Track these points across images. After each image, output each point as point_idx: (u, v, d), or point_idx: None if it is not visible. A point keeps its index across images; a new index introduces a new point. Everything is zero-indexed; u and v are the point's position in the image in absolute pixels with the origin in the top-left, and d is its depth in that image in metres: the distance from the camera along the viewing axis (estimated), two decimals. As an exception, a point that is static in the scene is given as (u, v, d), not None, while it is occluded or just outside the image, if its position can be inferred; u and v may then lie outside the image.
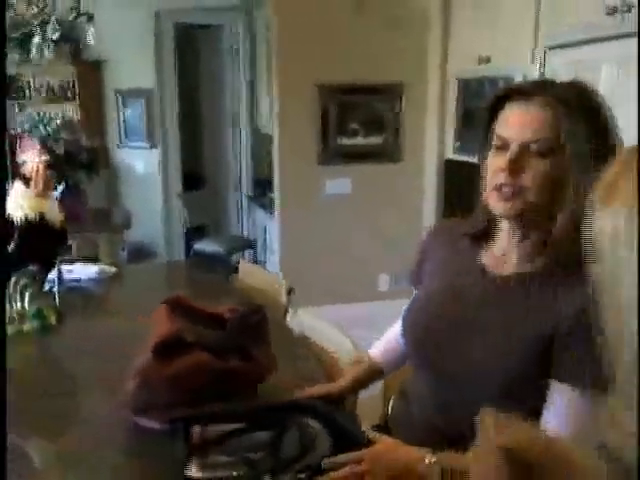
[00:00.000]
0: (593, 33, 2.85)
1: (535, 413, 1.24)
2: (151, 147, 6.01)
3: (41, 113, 3.95)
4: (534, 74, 3.18)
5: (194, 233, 6.42)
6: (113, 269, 2.82)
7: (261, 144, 6.17)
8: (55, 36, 2.94)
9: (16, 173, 2.12)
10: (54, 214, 2.21)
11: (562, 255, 1.24)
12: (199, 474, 1.23)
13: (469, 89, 3.73)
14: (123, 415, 1.50)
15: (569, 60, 3.02)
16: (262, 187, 6.06)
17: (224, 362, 1.40)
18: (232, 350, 1.42)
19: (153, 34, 5.72)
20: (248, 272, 2.93)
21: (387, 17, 4.50)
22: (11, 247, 2.08)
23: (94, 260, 3.15)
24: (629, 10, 2.66)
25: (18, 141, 2.33)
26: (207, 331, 1.46)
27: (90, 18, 3.10)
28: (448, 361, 1.36)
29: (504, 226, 1.34)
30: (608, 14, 2.73)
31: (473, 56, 3.61)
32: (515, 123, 1.26)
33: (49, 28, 2.92)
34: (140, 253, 5.72)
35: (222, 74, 6.43)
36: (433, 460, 1.19)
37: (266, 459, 1.26)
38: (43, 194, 2.16)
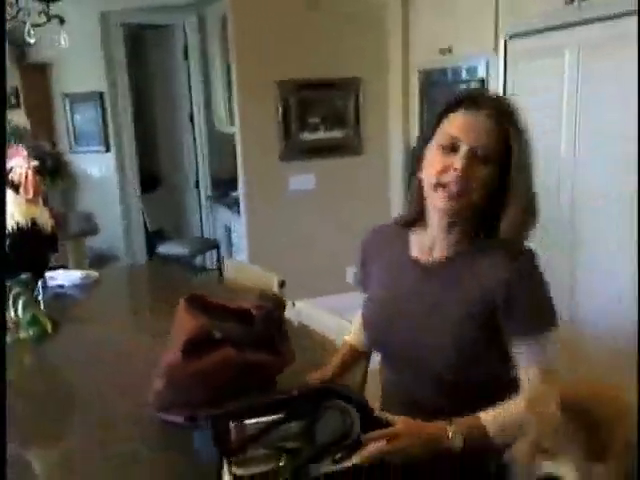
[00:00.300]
0: (554, 21, 2.90)
1: (495, 379, 1.44)
2: (106, 150, 5.90)
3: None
4: (497, 62, 3.22)
5: (155, 236, 6.36)
6: (96, 274, 2.81)
7: (219, 143, 6.15)
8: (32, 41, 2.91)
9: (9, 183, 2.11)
10: (45, 219, 2.20)
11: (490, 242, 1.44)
12: (240, 471, 1.22)
13: (431, 80, 3.78)
14: (146, 413, 1.51)
15: (531, 47, 3.07)
16: (223, 186, 6.04)
17: (251, 356, 1.42)
18: (260, 344, 1.44)
19: (100, 35, 5.61)
20: (236, 269, 2.96)
21: (344, 12, 4.55)
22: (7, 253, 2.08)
23: (64, 268, 3.14)
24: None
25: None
26: (232, 326, 1.47)
27: (62, 21, 3.07)
28: (409, 350, 1.48)
29: (435, 217, 1.44)
30: (567, 3, 2.81)
31: (434, 47, 3.65)
32: (467, 127, 1.36)
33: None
34: (101, 259, 5.64)
35: (175, 74, 6.38)
36: (453, 429, 1.27)
37: (305, 447, 1.27)
38: (34, 200, 2.15)
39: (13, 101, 5.84)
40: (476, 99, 1.42)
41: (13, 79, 5.78)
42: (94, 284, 2.79)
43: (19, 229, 2.08)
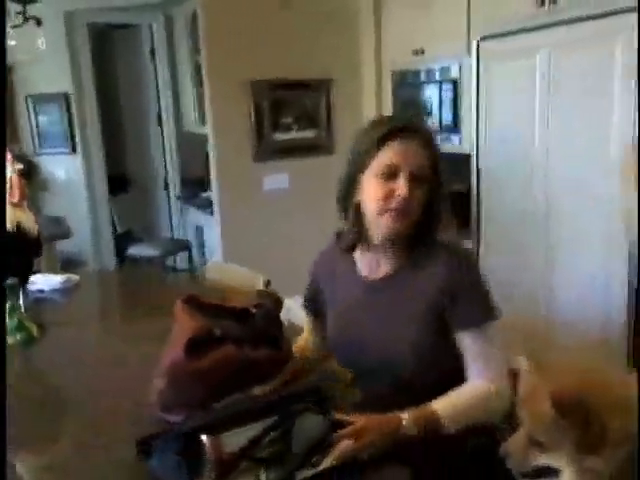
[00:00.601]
0: (525, 23, 2.95)
1: (449, 374, 1.52)
2: (72, 152, 5.80)
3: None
4: (470, 64, 3.26)
5: (124, 238, 6.31)
6: (77, 277, 2.80)
7: (188, 144, 6.13)
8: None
9: None
10: (31, 224, 2.20)
11: (428, 252, 1.56)
12: None
13: (404, 80, 3.79)
14: (148, 412, 1.50)
15: (503, 49, 3.11)
16: (193, 187, 6.02)
17: (252, 353, 1.43)
18: (260, 341, 1.45)
19: (65, 35, 5.51)
20: (219, 269, 2.98)
21: (318, 11, 4.58)
22: None
23: (37, 272, 3.11)
24: (555, 2, 2.82)
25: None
26: (231, 324, 1.48)
27: (39, 23, 3.05)
28: (366, 357, 1.58)
29: (378, 238, 1.54)
30: (538, 6, 2.87)
31: (407, 48, 3.67)
32: (404, 154, 1.46)
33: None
34: (71, 262, 5.58)
35: (142, 74, 6.34)
36: (406, 418, 1.35)
37: (283, 455, 1.27)
38: (19, 204, 2.15)
39: None
40: (406, 129, 1.51)
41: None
42: (74, 288, 2.78)
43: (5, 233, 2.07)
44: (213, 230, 5.11)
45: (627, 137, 2.56)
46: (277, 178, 4.84)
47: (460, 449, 1.44)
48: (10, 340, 2.16)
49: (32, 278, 2.63)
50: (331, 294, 1.73)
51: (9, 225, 2.06)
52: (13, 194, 2.08)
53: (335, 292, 1.72)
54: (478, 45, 3.19)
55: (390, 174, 1.46)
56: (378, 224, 1.50)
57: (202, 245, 5.77)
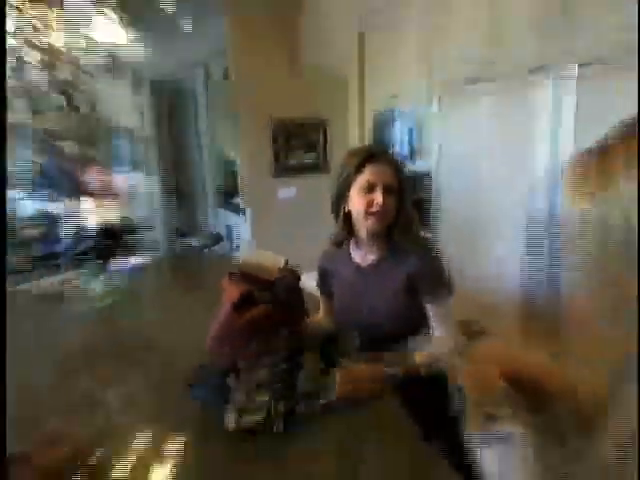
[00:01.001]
0: (474, 76, 2.86)
1: (414, 326, 1.57)
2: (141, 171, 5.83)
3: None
4: (431, 109, 3.22)
5: (175, 232, 6.35)
6: (148, 259, 2.77)
7: (223, 166, 6.10)
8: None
9: (86, 192, 2.07)
10: (118, 216, 2.16)
11: (402, 244, 1.57)
12: (232, 421, 1.19)
13: (382, 119, 3.77)
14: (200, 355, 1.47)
15: (456, 98, 3.06)
16: (225, 196, 6.02)
17: (279, 312, 1.41)
18: (284, 303, 1.43)
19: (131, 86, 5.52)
20: (249, 253, 2.96)
21: (317, 75, 4.57)
22: (90, 246, 2.05)
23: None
24: (493, 62, 2.70)
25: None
26: (263, 291, 1.44)
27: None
28: (363, 316, 1.62)
29: (364, 235, 1.58)
30: (482, 66, 2.76)
31: (384, 95, 3.62)
32: (380, 174, 1.50)
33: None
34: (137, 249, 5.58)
35: (188, 115, 6.32)
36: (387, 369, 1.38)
37: (290, 392, 1.26)
38: (110, 202, 2.13)
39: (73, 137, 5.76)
40: (380, 154, 1.55)
41: (70, 120, 5.68)
42: (145, 267, 2.73)
43: (100, 228, 2.06)
44: (241, 227, 5.08)
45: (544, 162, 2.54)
46: (288, 190, 4.83)
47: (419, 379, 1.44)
48: (103, 302, 2.14)
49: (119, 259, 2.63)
50: (335, 278, 1.75)
51: (102, 220, 2.04)
52: (106, 197, 2.07)
53: (338, 276, 1.74)
54: (437, 94, 3.16)
55: (369, 188, 1.49)
56: (364, 225, 1.54)
57: (231, 238, 5.73)
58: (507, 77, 2.71)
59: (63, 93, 3.94)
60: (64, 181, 2.07)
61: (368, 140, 3.99)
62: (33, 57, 2.30)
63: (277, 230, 4.67)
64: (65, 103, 5.28)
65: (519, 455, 0.83)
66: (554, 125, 2.47)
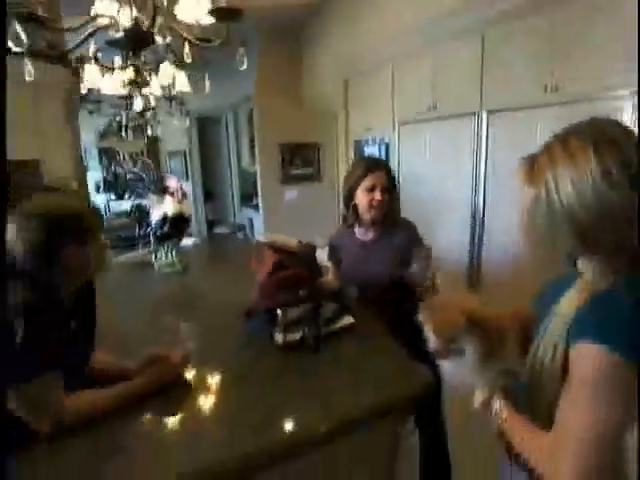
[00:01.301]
0: (420, 118, 2.89)
1: (402, 283, 1.44)
2: (186, 180, 5.84)
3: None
4: (394, 139, 3.18)
5: (211, 222, 6.32)
6: (198, 240, 2.76)
7: (244, 176, 6.08)
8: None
9: (167, 191, 2.04)
10: (187, 211, 2.15)
11: (391, 227, 1.53)
12: (280, 339, 1.22)
13: (361, 144, 3.72)
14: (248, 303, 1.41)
15: (410, 130, 3.04)
16: (246, 198, 6.01)
17: (302, 273, 1.38)
18: (304, 267, 1.40)
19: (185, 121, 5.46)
20: (268, 237, 2.97)
21: (313, 108, 4.59)
22: (167, 228, 2.04)
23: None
24: (435, 107, 2.74)
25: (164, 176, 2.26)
26: (291, 259, 1.41)
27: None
28: (365, 280, 1.55)
29: (367, 221, 1.54)
30: (429, 110, 2.80)
31: (363, 126, 3.59)
32: (379, 178, 1.48)
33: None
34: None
35: (220, 140, 6.28)
36: None
37: (317, 321, 1.26)
38: (181, 201, 2.11)
39: (142, 155, 5.88)
40: (379, 165, 1.52)
41: (142, 145, 5.72)
42: (195, 246, 2.75)
43: (174, 216, 2.05)
44: (259, 220, 5.08)
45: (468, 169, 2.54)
46: (292, 193, 4.82)
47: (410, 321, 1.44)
48: (176, 269, 2.13)
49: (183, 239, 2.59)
50: (343, 251, 1.69)
51: (176, 212, 2.03)
52: (177, 197, 2.05)
53: (345, 249, 1.68)
54: (399, 127, 3.15)
55: (371, 189, 1.48)
56: (368, 214, 1.52)
57: (252, 228, 5.74)
58: (443, 118, 2.73)
59: (138, 125, 3.89)
60: (152, 184, 2.05)
61: (348, 160, 3.92)
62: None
63: (284, 222, 4.70)
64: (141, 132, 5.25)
65: (469, 365, 0.83)
66: (475, 148, 2.50)
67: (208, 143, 6.46)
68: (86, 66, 2.18)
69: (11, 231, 0.88)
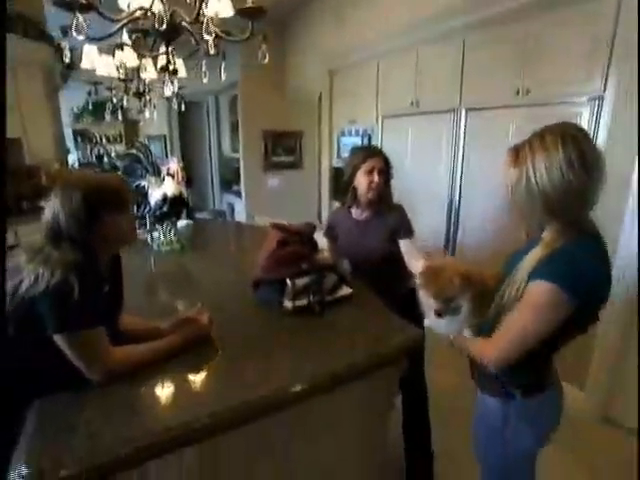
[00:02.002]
0: (402, 113, 3.00)
1: (394, 258, 1.59)
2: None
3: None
4: (377, 131, 3.26)
5: (191, 209, 6.26)
6: (191, 222, 2.78)
7: (225, 162, 6.06)
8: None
9: (167, 173, 2.10)
10: (184, 192, 2.21)
11: (384, 208, 1.61)
12: (290, 305, 1.32)
13: (344, 134, 3.72)
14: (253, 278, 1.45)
15: (393, 123, 3.14)
16: (226, 184, 6.01)
17: (303, 249, 1.44)
18: (305, 244, 1.46)
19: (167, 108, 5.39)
20: (259, 220, 3.06)
21: (297, 97, 4.66)
22: (167, 208, 2.11)
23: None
24: (417, 105, 2.84)
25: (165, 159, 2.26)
26: (293, 236, 1.46)
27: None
28: (360, 254, 1.63)
29: (364, 201, 1.62)
30: (411, 105, 2.91)
31: (347, 118, 3.61)
32: (376, 163, 1.56)
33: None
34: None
35: (202, 126, 6.23)
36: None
37: (320, 290, 1.35)
38: (180, 182, 2.17)
39: (119, 139, 5.73)
40: (376, 151, 1.61)
41: (120, 128, 5.65)
42: (191, 227, 2.75)
43: (174, 197, 2.12)
44: (240, 205, 5.14)
45: (448, 164, 2.69)
46: (273, 180, 4.93)
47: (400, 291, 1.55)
48: (174, 247, 2.18)
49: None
50: (339, 228, 1.75)
51: (176, 192, 2.09)
52: (177, 178, 2.13)
53: (342, 227, 1.74)
54: (382, 120, 3.23)
55: (369, 172, 1.57)
56: (366, 195, 1.60)
57: (233, 214, 5.76)
58: (425, 113, 2.85)
59: (116, 109, 3.84)
60: (150, 167, 2.10)
61: (332, 151, 3.97)
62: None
63: (266, 208, 4.79)
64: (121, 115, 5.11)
65: (462, 319, 0.96)
66: (453, 143, 2.66)
67: (188, 128, 6.40)
68: (85, 46, 2.21)
69: (55, 203, 0.98)
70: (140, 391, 0.97)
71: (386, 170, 1.60)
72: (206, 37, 1.16)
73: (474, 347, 0.96)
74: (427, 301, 0.97)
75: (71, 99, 5.18)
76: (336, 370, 1.05)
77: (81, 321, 0.92)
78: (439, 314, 0.96)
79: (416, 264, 1.51)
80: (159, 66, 1.73)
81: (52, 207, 0.97)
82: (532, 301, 0.84)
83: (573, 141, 0.79)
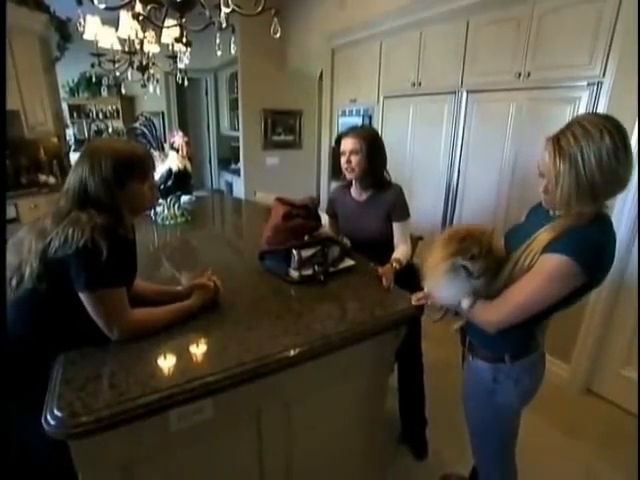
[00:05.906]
0: (404, 93, 2.99)
1: (389, 239, 1.62)
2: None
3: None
4: (378, 111, 3.23)
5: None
6: (193, 197, 2.77)
7: (222, 140, 6.03)
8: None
9: (172, 147, 2.12)
10: (189, 167, 2.22)
11: (382, 190, 1.62)
12: (296, 274, 1.36)
13: (345, 114, 3.69)
14: (260, 248, 1.49)
15: (393, 103, 3.12)
16: (225, 163, 5.99)
17: (308, 222, 1.48)
18: (310, 218, 1.49)
19: (164, 83, 5.30)
20: (260, 196, 3.10)
21: (299, 75, 4.62)
22: (172, 182, 2.13)
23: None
24: (420, 84, 2.85)
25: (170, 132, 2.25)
26: (298, 209, 1.49)
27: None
28: (359, 234, 1.65)
29: (354, 182, 1.67)
30: (412, 85, 2.91)
31: (348, 97, 3.58)
32: (346, 145, 1.58)
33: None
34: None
35: (200, 104, 6.15)
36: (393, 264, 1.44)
37: (325, 261, 1.40)
38: (185, 157, 2.17)
39: (116, 115, 5.56)
40: (347, 133, 1.61)
41: (117, 103, 5.46)
42: (195, 201, 2.74)
43: (178, 171, 2.13)
44: (238, 184, 5.14)
45: (447, 149, 2.72)
46: (273, 159, 4.92)
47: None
48: (179, 220, 2.20)
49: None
50: (340, 207, 1.76)
51: (181, 167, 2.09)
52: (182, 152, 2.14)
53: (342, 205, 1.75)
54: (383, 100, 3.22)
55: (343, 154, 1.60)
56: (346, 176, 1.64)
57: (231, 192, 5.75)
58: (426, 94, 2.85)
59: (117, 84, 3.78)
60: (155, 141, 2.11)
61: (333, 131, 3.92)
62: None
63: (264, 186, 4.80)
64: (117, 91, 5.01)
65: (466, 281, 0.95)
66: (454, 124, 2.68)
67: (186, 105, 6.32)
68: (87, 17, 2.19)
69: (83, 169, 1.01)
70: (158, 349, 1.03)
71: (365, 149, 1.58)
72: (225, 10, 1.18)
73: (476, 309, 0.98)
74: (430, 268, 0.99)
75: (64, 73, 5.08)
76: (342, 331, 1.12)
77: (108, 280, 0.97)
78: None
79: (398, 249, 1.56)
80: (173, 38, 1.73)
81: (79, 173, 1.00)
82: (545, 270, 0.86)
83: (616, 130, 0.80)
